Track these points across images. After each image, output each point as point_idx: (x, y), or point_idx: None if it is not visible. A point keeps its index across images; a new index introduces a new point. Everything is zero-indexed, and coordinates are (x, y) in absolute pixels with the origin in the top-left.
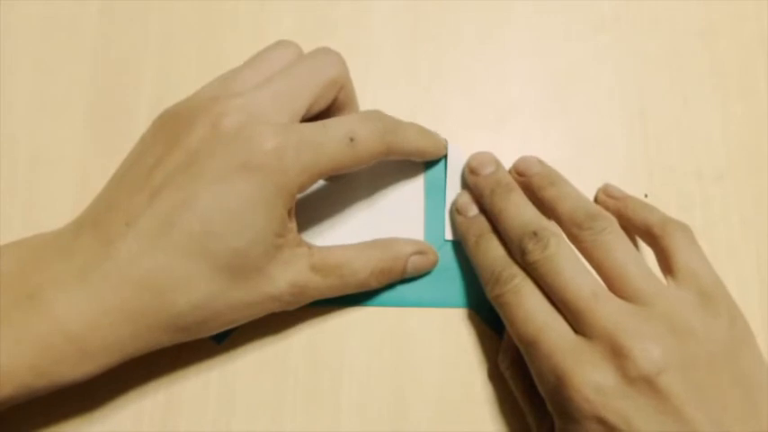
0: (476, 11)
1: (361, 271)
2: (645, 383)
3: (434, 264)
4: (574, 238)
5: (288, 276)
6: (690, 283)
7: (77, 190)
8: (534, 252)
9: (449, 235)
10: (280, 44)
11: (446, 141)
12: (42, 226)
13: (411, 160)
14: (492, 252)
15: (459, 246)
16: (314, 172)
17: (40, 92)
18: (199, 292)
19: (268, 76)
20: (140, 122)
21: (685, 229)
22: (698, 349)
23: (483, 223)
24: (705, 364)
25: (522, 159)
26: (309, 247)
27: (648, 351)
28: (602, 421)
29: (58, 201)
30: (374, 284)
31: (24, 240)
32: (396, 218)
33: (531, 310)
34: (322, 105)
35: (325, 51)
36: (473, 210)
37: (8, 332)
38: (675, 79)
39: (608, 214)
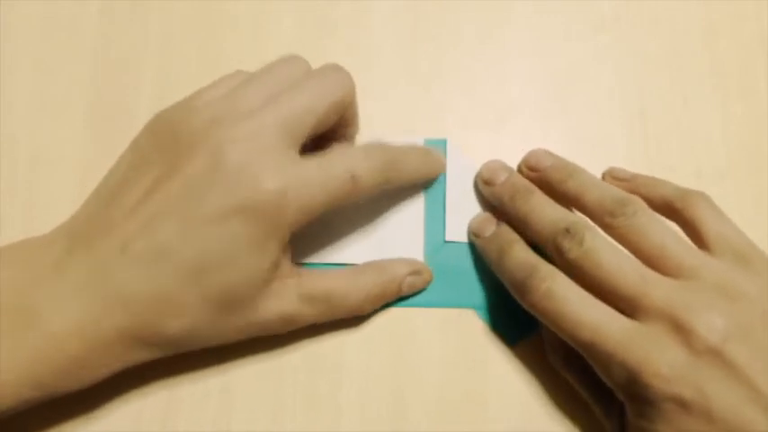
0: (476, 11)
1: (355, 298)
2: (712, 354)
3: (429, 281)
4: (606, 227)
5: (276, 308)
6: (724, 248)
7: (77, 190)
8: (572, 250)
9: (449, 236)
10: (287, 59)
11: (445, 154)
12: (42, 226)
13: None
14: (513, 261)
15: (459, 246)
16: (313, 211)
17: (40, 92)
18: (187, 320)
19: (275, 93)
20: (140, 122)
21: (705, 197)
22: (753, 310)
23: (502, 236)
24: (762, 324)
25: (532, 154)
26: (300, 275)
27: (711, 322)
28: (679, 399)
29: (58, 201)
30: (369, 309)
31: (16, 249)
32: (396, 219)
33: (575, 312)
34: (327, 125)
35: (334, 69)
36: (489, 229)
37: (7, 348)
38: (675, 79)
39: (635, 197)
